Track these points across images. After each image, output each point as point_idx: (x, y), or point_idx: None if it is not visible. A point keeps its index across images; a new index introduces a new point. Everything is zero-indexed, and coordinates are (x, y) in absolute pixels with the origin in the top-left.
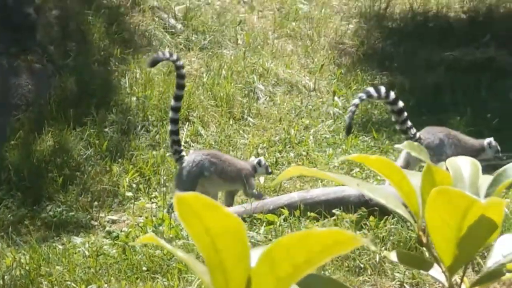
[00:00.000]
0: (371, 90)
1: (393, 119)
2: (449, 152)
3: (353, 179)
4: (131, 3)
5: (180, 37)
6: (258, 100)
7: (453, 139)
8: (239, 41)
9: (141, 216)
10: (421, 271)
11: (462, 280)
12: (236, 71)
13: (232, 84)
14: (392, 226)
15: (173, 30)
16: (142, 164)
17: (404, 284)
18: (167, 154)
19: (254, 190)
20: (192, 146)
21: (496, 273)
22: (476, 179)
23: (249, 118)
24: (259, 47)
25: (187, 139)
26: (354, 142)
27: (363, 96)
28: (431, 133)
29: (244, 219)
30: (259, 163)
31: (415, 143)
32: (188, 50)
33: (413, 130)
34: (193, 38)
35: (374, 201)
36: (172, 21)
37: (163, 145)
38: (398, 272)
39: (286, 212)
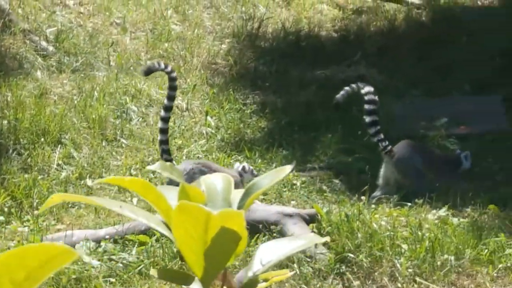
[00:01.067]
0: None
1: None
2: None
3: (115, 202)
4: (1, 26)
5: (52, 59)
6: (131, 121)
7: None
8: (112, 63)
9: (12, 240)
10: None
11: None
12: (109, 93)
13: (105, 105)
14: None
15: (45, 53)
16: (14, 188)
17: None
18: (39, 177)
19: None
20: (64, 169)
21: (253, 283)
22: (229, 193)
23: (122, 139)
24: (131, 68)
25: (59, 161)
26: (227, 161)
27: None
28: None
29: (116, 241)
30: (243, 169)
31: (167, 163)
32: (60, 72)
33: (385, 143)
34: (65, 60)
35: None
36: (44, 43)
37: (35, 168)
38: None
39: (158, 232)
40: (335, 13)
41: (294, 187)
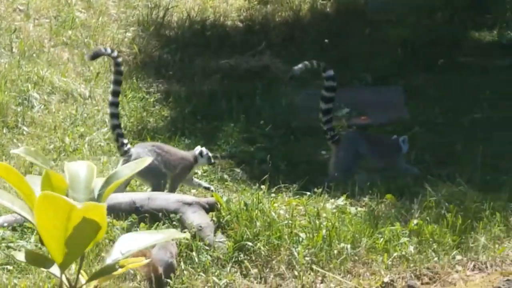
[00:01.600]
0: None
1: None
2: None
3: None
4: None
5: None
6: (33, 108)
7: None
8: (14, 49)
9: None
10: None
11: (78, 275)
12: (10, 80)
13: (6, 92)
14: None
15: None
16: None
17: None
18: None
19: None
20: None
21: (110, 269)
22: (91, 181)
23: (23, 127)
24: (34, 55)
25: None
26: None
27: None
28: None
29: (14, 228)
30: (200, 153)
31: (32, 149)
32: None
33: (333, 132)
34: None
35: (145, 208)
36: None
37: None
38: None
39: None
40: (241, 3)
41: (196, 175)
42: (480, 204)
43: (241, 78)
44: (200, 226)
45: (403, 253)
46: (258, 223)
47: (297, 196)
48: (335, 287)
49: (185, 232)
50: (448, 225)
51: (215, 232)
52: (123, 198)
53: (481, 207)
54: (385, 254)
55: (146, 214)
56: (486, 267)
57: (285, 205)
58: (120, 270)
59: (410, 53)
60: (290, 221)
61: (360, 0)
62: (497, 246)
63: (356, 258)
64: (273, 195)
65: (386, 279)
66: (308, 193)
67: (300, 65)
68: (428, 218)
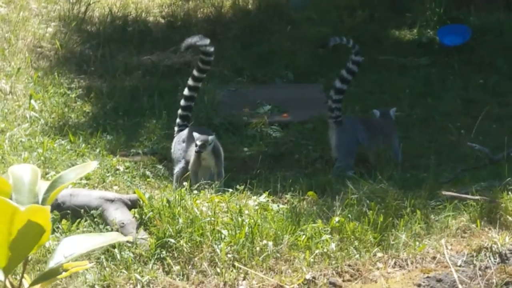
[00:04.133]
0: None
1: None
2: None
3: None
4: None
5: None
6: None
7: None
8: None
9: None
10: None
11: (21, 279)
12: None
13: None
14: (85, 229)
15: None
16: None
17: (96, 286)
18: None
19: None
20: None
21: (54, 272)
22: (35, 184)
23: None
24: None
25: None
26: (51, 145)
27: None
28: None
29: None
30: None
31: None
32: None
33: (339, 113)
34: None
35: (67, 204)
36: None
37: None
38: (90, 274)
39: None
40: None
41: (118, 172)
42: (401, 202)
43: (163, 74)
44: (122, 223)
45: (325, 250)
46: (180, 220)
47: (220, 193)
48: (257, 284)
49: (109, 229)
50: (370, 222)
51: (137, 229)
52: None
53: (402, 204)
54: (307, 251)
55: (68, 211)
56: (407, 264)
57: (207, 202)
58: (64, 274)
59: (331, 51)
60: (212, 218)
61: None
62: (417, 243)
63: (278, 255)
64: (195, 192)
65: (308, 276)
66: (230, 190)
67: (336, 38)
68: (349, 215)
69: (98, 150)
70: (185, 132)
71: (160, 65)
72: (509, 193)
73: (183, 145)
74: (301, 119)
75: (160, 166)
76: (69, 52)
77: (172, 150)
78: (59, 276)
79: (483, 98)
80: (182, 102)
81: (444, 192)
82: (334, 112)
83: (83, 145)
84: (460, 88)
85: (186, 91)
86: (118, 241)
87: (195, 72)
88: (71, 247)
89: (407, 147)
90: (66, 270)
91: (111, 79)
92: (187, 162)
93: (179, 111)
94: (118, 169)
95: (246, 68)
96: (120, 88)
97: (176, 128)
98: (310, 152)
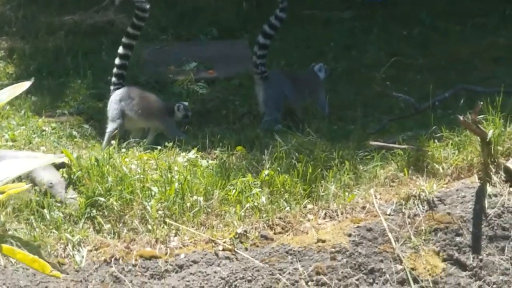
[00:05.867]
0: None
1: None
2: None
3: None
4: None
5: None
6: None
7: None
8: None
9: None
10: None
11: None
12: None
13: None
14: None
15: None
16: None
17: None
18: None
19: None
20: None
21: None
22: None
23: None
24: None
25: None
26: None
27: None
28: None
29: None
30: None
31: None
32: None
33: (264, 68)
34: None
35: None
36: None
37: None
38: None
39: None
40: None
41: (44, 133)
42: (329, 153)
43: (86, 34)
44: (51, 183)
45: (255, 204)
46: (109, 179)
47: (148, 151)
48: (189, 240)
49: (37, 190)
50: (299, 175)
51: (66, 188)
52: None
53: (330, 156)
54: (238, 206)
55: None
56: (337, 215)
57: (136, 160)
58: (1, 196)
59: (255, 7)
60: (142, 176)
61: None
62: (347, 194)
63: (209, 210)
64: (123, 150)
65: (239, 230)
66: (159, 147)
67: None
68: (279, 168)
69: (23, 111)
70: (121, 91)
71: (83, 25)
72: (435, 141)
73: (122, 104)
74: (227, 75)
75: (86, 126)
76: None
77: (108, 109)
78: None
79: (407, 50)
80: (117, 61)
81: (371, 142)
82: (259, 68)
83: (8, 107)
84: (384, 41)
85: (120, 50)
86: (52, 162)
87: (129, 30)
88: (7, 170)
89: (334, 100)
90: (2, 193)
91: (34, 40)
92: (122, 121)
93: (114, 70)
94: (44, 130)
95: (170, 26)
96: (43, 49)
97: (111, 87)
98: (238, 108)
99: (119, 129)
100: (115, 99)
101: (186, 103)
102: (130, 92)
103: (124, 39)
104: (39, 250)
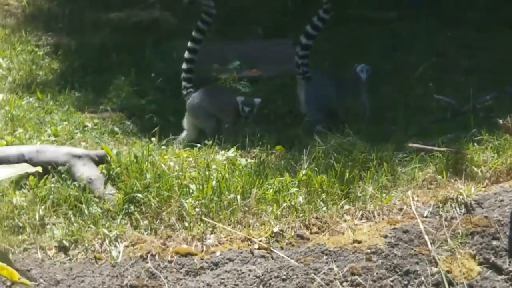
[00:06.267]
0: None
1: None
2: None
3: None
4: None
5: None
6: None
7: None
8: None
9: None
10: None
11: None
12: None
13: None
14: (52, 185)
15: None
16: None
17: (63, 241)
18: None
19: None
20: None
21: None
22: None
23: None
24: None
25: None
26: (19, 102)
27: None
28: None
29: None
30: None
31: None
32: None
33: (307, 68)
34: None
35: (34, 160)
36: None
37: None
38: (57, 230)
39: None
40: None
41: (86, 128)
42: (368, 154)
43: (131, 31)
44: (90, 179)
45: (292, 203)
46: (148, 175)
47: (188, 148)
48: (225, 238)
49: (76, 185)
50: (337, 175)
51: (105, 184)
52: (11, 151)
53: (369, 157)
54: (275, 205)
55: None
56: (374, 216)
57: (175, 157)
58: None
59: (300, 7)
60: (180, 173)
61: None
62: (384, 195)
63: (246, 208)
64: (163, 147)
65: (275, 229)
66: (199, 145)
67: None
68: (317, 168)
69: (66, 107)
70: (197, 94)
71: (128, 22)
72: (475, 144)
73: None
74: (270, 74)
75: (128, 123)
76: (37, 9)
77: (190, 112)
78: None
79: (451, 51)
80: (184, 65)
81: (410, 144)
82: (301, 68)
83: (51, 102)
84: (428, 42)
85: (186, 54)
86: (26, 172)
87: (194, 34)
88: None
89: (376, 101)
90: None
91: (79, 37)
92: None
93: (183, 75)
94: (86, 126)
95: (215, 24)
96: (88, 45)
97: (184, 92)
98: (279, 107)
99: (213, 128)
100: (198, 102)
101: (259, 99)
102: (211, 92)
103: (189, 44)
104: (8, 257)
